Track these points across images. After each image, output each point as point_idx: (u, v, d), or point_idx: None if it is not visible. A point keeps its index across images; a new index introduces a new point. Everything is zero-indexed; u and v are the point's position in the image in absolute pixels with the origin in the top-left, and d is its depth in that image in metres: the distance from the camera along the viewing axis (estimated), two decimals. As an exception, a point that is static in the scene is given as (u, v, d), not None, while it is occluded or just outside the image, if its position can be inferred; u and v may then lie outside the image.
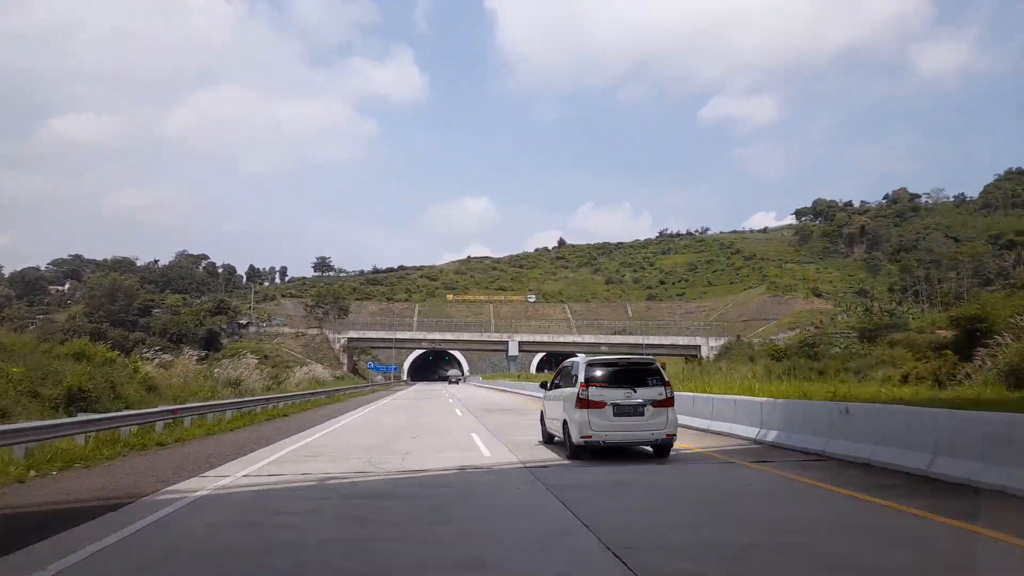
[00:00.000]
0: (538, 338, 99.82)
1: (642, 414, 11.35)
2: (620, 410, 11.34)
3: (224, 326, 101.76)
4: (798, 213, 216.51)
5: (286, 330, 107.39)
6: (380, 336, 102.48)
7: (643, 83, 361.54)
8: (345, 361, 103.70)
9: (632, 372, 11.98)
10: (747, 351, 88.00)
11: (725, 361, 65.22)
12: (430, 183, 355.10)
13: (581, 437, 11.22)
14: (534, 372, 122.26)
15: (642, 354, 48.40)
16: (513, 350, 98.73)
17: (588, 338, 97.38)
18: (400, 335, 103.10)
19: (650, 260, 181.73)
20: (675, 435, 11.64)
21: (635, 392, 11.45)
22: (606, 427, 11.31)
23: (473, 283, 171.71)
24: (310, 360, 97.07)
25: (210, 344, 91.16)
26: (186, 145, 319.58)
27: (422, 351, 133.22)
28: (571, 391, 11.92)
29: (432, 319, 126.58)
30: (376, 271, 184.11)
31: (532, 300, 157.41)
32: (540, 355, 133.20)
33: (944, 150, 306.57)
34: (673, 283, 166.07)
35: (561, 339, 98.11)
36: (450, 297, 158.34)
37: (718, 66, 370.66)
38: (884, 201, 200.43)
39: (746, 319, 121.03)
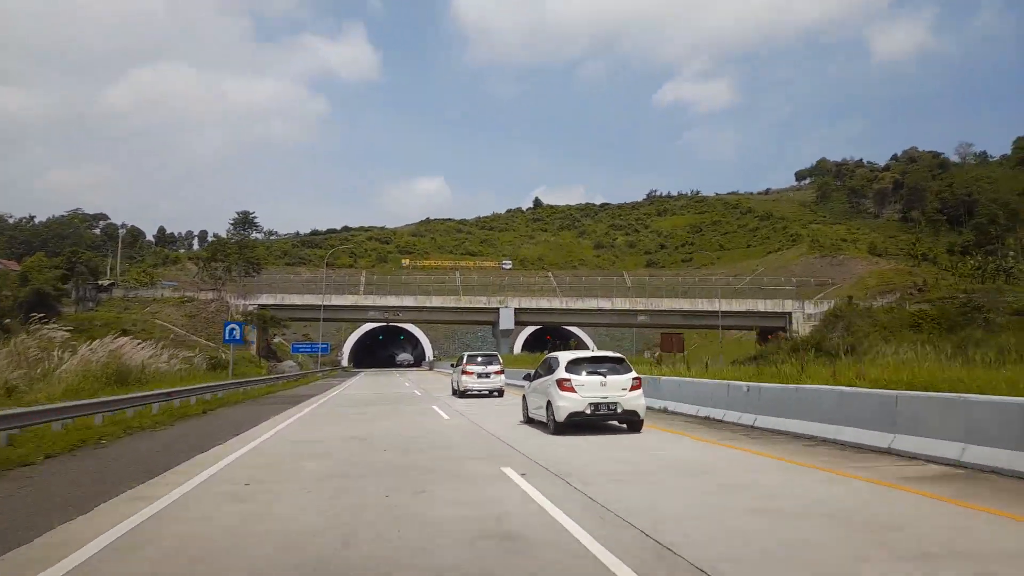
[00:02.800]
0: (545, 304, 66.41)
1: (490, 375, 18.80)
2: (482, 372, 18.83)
3: (82, 290, 66.19)
4: (799, 175, 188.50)
5: (167, 294, 71.09)
6: (308, 303, 67.40)
7: (603, 61, 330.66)
8: (254, 339, 68.37)
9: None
10: (870, 320, 57.58)
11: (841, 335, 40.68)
12: (383, 162, 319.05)
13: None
14: (520, 352, 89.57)
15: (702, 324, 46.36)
16: (506, 321, 64.95)
17: (619, 303, 64.35)
18: (338, 300, 68.05)
19: (644, 222, 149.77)
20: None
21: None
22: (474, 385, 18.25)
23: (434, 247, 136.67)
24: (195, 336, 61.71)
25: (42, 311, 54.62)
26: (127, 123, 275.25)
27: (371, 326, 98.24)
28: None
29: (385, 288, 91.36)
30: (315, 233, 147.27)
31: (508, 267, 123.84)
32: (525, 333, 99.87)
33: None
34: (676, 247, 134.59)
35: (580, 305, 64.85)
36: (406, 262, 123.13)
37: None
38: (894, 162, 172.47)
39: (799, 282, 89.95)
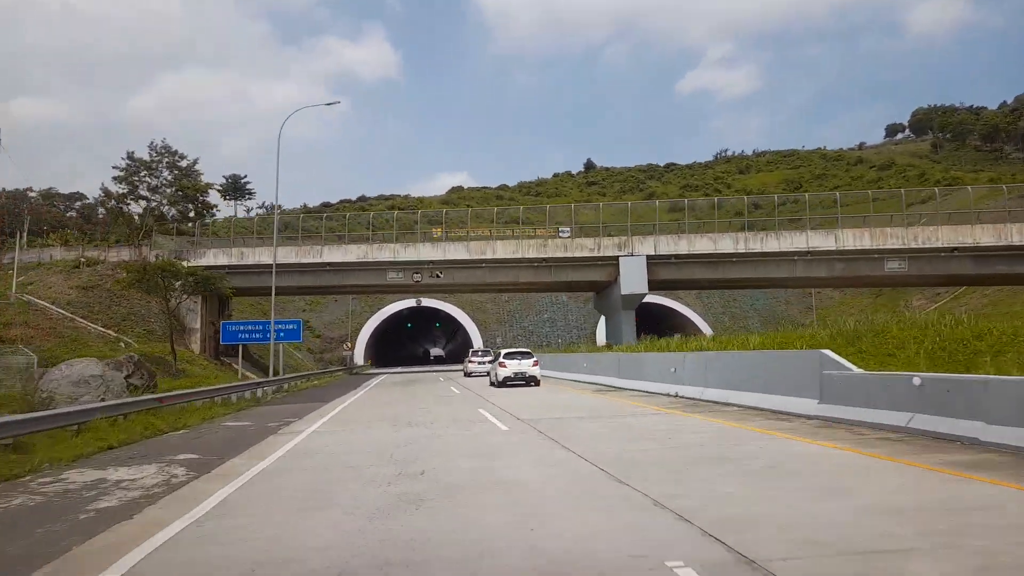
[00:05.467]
0: (704, 246, 35.71)
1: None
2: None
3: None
4: (891, 128, 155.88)
5: (59, 255, 42.11)
6: (290, 261, 38.12)
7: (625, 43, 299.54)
8: (199, 325, 39.44)
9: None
10: None
11: None
12: (405, 159, 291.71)
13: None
14: (603, 343, 60.10)
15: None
16: (633, 280, 35.16)
17: (850, 238, 33.57)
18: (336, 255, 38.63)
19: (724, 181, 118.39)
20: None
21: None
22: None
23: (470, 217, 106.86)
24: (93, 323, 33.21)
25: None
26: (152, 130, 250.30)
27: (395, 308, 68.87)
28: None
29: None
30: (326, 205, 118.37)
31: (566, 235, 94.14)
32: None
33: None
34: (777, 206, 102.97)
35: (772, 245, 34.30)
36: (437, 233, 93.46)
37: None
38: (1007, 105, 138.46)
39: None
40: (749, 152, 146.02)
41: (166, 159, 42.40)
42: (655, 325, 50.74)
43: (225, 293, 33.93)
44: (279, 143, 43.15)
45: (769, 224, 42.65)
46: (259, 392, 21.09)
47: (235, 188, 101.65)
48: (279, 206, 41.57)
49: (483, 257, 37.83)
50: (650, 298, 72.92)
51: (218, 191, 62.35)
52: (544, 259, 37.41)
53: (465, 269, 38.76)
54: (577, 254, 36.82)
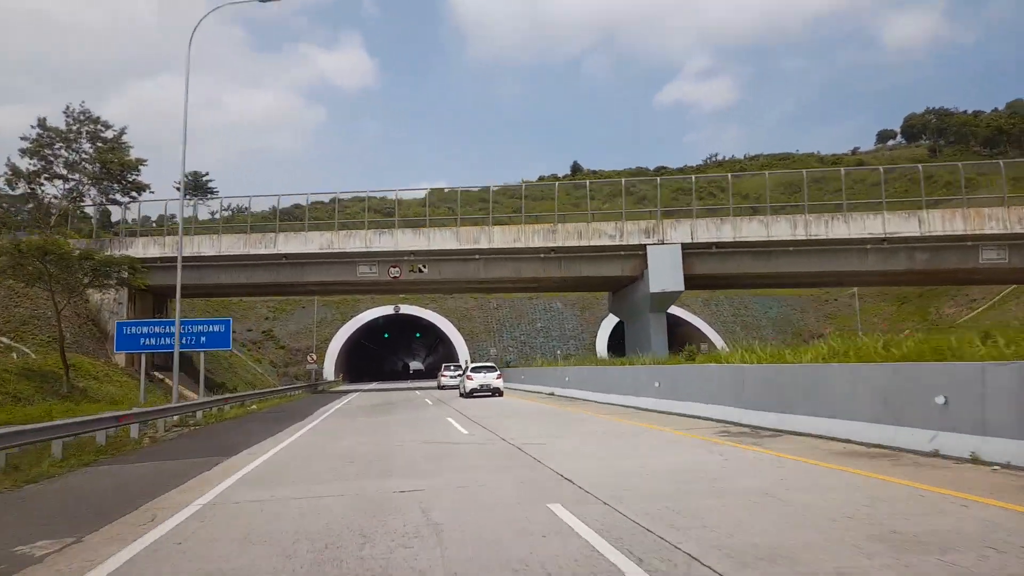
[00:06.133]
0: (753, 231, 28.40)
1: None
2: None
3: None
4: (883, 134, 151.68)
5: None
6: (237, 252, 30.33)
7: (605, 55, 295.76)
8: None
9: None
10: None
11: None
12: (383, 169, 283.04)
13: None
14: (604, 355, 54.44)
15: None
16: (663, 275, 27.83)
17: (937, 220, 26.52)
18: (292, 246, 30.80)
19: (720, 185, 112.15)
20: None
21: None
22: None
23: (451, 217, 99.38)
24: None
25: None
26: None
27: (370, 316, 61.23)
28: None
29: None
30: (296, 207, 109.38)
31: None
32: (608, 327, 63.11)
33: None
34: (778, 211, 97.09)
35: (839, 231, 27.13)
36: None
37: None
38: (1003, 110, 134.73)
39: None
40: (740, 156, 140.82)
41: (87, 128, 34.37)
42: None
43: (136, 284, 25.97)
44: (189, 53, 35.11)
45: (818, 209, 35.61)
46: (162, 424, 13.35)
47: (196, 187, 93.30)
48: (186, 176, 33.23)
49: (477, 247, 30.32)
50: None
51: (175, 188, 53.96)
52: (552, 249, 29.98)
53: (454, 262, 31.22)
54: (594, 242, 29.43)
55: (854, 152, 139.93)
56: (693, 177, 31.29)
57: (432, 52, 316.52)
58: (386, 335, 69.53)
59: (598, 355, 58.86)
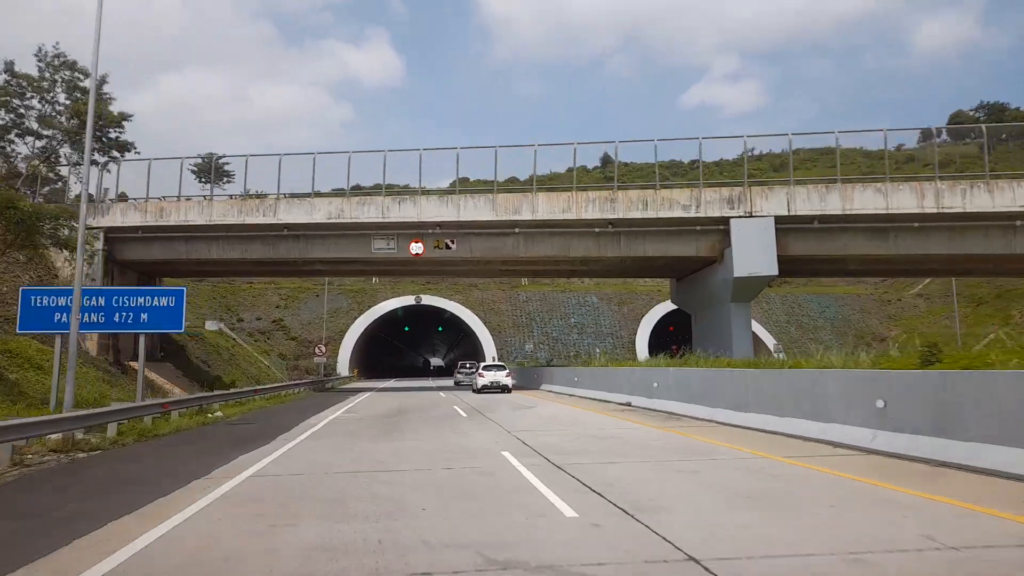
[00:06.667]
0: (869, 201, 22.19)
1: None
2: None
3: None
4: (926, 133, 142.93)
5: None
6: (230, 221, 25.03)
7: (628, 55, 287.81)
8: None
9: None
10: None
11: None
12: (407, 167, 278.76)
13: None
14: (646, 355, 49.05)
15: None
16: (749, 258, 21.84)
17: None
18: (293, 214, 25.38)
19: (760, 180, 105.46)
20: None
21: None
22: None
23: (486, 188, 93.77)
24: None
25: None
26: (147, 130, 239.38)
27: (388, 307, 56.12)
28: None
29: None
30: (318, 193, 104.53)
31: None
32: (649, 323, 57.44)
33: None
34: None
35: (984, 202, 20.73)
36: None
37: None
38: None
39: None
40: (778, 151, 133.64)
41: (63, 76, 29.24)
42: (685, 337, 33.38)
43: (78, 246, 20.60)
44: None
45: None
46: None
47: (210, 169, 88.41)
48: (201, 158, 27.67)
49: (517, 218, 24.62)
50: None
51: (192, 171, 48.48)
52: (610, 221, 24.18)
53: (488, 236, 25.55)
54: (663, 213, 23.59)
55: (899, 148, 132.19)
56: (790, 135, 24.89)
57: (457, 50, 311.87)
58: (406, 328, 64.14)
59: (638, 355, 52.93)
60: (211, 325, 45.58)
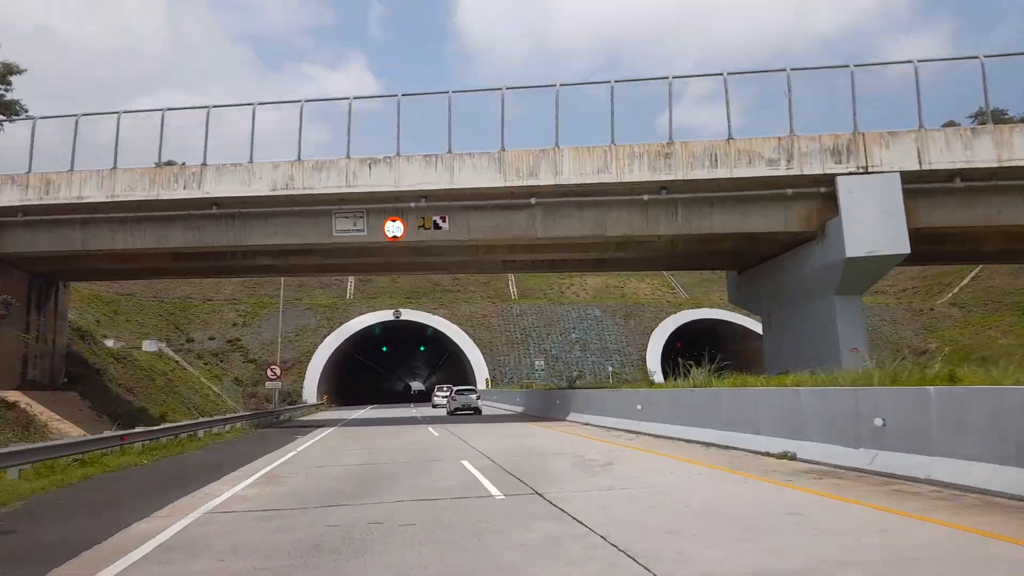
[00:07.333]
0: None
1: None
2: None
3: None
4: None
5: None
6: (136, 198, 17.80)
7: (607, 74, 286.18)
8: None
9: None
10: None
11: None
12: (380, 135, 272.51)
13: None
14: (658, 375, 41.95)
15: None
16: (872, 228, 14.69)
17: None
18: (238, 186, 17.96)
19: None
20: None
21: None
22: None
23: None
24: None
25: None
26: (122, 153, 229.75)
27: (362, 323, 48.95)
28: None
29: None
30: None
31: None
32: (662, 337, 50.81)
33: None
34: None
35: None
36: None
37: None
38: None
39: None
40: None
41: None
42: (697, 352, 25.87)
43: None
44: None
45: None
46: None
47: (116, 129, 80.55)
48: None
49: (534, 183, 17.69)
50: (689, 315, 52.31)
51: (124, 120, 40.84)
52: (664, 185, 17.35)
53: (493, 210, 18.51)
54: (739, 172, 16.80)
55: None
56: (915, 61, 17.88)
57: (437, 73, 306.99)
58: (384, 348, 56.56)
59: (650, 374, 45.88)
60: (148, 345, 37.80)
